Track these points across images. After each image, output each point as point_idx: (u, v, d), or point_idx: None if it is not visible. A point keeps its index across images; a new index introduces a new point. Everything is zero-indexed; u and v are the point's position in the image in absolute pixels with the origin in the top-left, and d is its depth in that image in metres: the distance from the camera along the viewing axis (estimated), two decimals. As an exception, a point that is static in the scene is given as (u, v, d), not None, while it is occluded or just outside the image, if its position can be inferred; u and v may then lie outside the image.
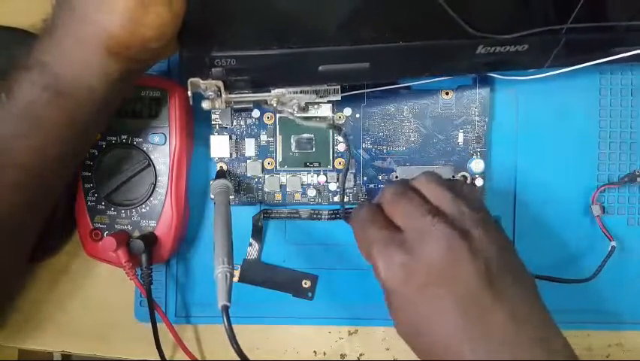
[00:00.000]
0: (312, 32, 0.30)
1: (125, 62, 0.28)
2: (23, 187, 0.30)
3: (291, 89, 0.34)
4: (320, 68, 0.31)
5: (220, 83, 0.31)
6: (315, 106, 0.39)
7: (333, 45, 0.30)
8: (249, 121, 0.40)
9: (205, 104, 0.32)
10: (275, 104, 0.34)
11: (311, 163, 0.40)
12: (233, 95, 0.32)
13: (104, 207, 0.38)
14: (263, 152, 0.40)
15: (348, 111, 0.40)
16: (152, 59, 0.31)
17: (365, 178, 0.40)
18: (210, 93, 0.31)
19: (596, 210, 0.39)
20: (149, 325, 0.39)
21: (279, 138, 0.40)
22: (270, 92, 0.34)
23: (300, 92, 0.34)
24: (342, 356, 0.42)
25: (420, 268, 0.28)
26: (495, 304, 0.27)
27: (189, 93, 0.31)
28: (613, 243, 0.39)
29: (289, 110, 0.35)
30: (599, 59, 0.33)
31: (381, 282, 0.30)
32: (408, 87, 0.39)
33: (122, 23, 0.26)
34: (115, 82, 0.29)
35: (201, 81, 0.31)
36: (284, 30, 0.30)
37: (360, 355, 0.42)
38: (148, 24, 0.26)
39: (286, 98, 0.34)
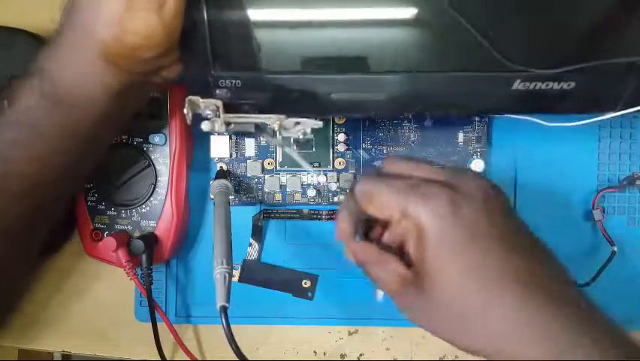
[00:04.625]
0: (324, 58, 0.28)
1: (123, 73, 0.28)
2: (27, 197, 0.30)
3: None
4: (333, 95, 0.29)
5: (219, 103, 0.29)
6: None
7: (348, 73, 0.28)
8: (249, 121, 0.40)
9: (204, 126, 0.30)
10: (276, 128, 0.31)
11: (311, 163, 0.40)
12: (231, 115, 0.30)
13: (104, 207, 0.38)
14: (263, 152, 0.40)
15: (348, 111, 0.40)
16: (153, 73, 0.30)
17: (365, 178, 0.40)
18: (209, 112, 0.29)
19: (597, 215, 0.39)
20: (149, 325, 0.39)
21: (278, 138, 0.40)
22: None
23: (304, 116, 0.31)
24: (342, 356, 0.42)
25: (466, 204, 0.26)
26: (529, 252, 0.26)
27: (186, 112, 0.29)
28: (614, 248, 0.39)
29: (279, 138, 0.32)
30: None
31: (421, 223, 0.25)
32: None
33: (111, 29, 0.26)
34: (115, 95, 0.29)
35: (200, 100, 0.29)
36: (294, 54, 0.28)
37: (360, 355, 0.42)
38: (135, 30, 0.26)
39: (289, 123, 0.31)
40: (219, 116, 0.30)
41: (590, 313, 0.25)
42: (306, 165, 0.32)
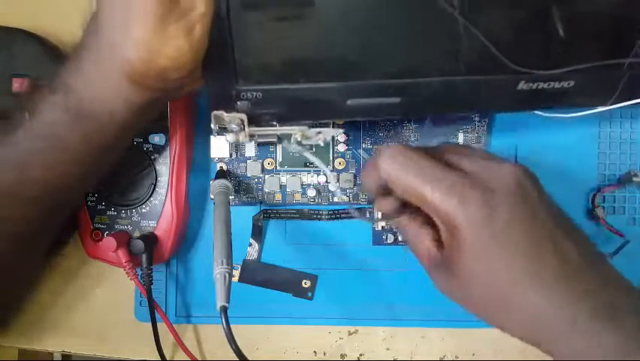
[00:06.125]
0: (341, 66, 0.29)
1: (147, 91, 0.28)
2: (39, 201, 0.31)
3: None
4: (348, 102, 0.30)
5: (244, 116, 0.30)
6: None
7: (363, 79, 0.29)
8: (249, 121, 0.40)
9: (229, 137, 0.31)
10: (299, 138, 0.32)
11: (311, 163, 0.40)
12: (256, 129, 0.31)
13: (104, 207, 0.38)
14: (263, 152, 0.40)
15: (348, 111, 0.40)
16: (175, 90, 0.30)
17: (365, 178, 0.40)
18: (234, 126, 0.30)
19: (599, 212, 0.39)
20: (149, 325, 0.39)
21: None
22: (294, 125, 0.32)
23: (325, 125, 0.33)
24: (342, 356, 0.42)
25: (502, 206, 0.25)
26: (566, 242, 0.26)
27: (212, 126, 0.30)
28: (626, 239, 0.38)
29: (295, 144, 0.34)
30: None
31: (456, 225, 0.26)
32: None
33: (140, 52, 0.26)
34: (137, 109, 0.29)
35: (225, 114, 0.30)
36: (311, 63, 0.29)
37: (360, 355, 0.42)
38: (165, 54, 0.26)
39: (311, 132, 0.32)
40: (244, 129, 0.30)
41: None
42: (322, 166, 0.33)
